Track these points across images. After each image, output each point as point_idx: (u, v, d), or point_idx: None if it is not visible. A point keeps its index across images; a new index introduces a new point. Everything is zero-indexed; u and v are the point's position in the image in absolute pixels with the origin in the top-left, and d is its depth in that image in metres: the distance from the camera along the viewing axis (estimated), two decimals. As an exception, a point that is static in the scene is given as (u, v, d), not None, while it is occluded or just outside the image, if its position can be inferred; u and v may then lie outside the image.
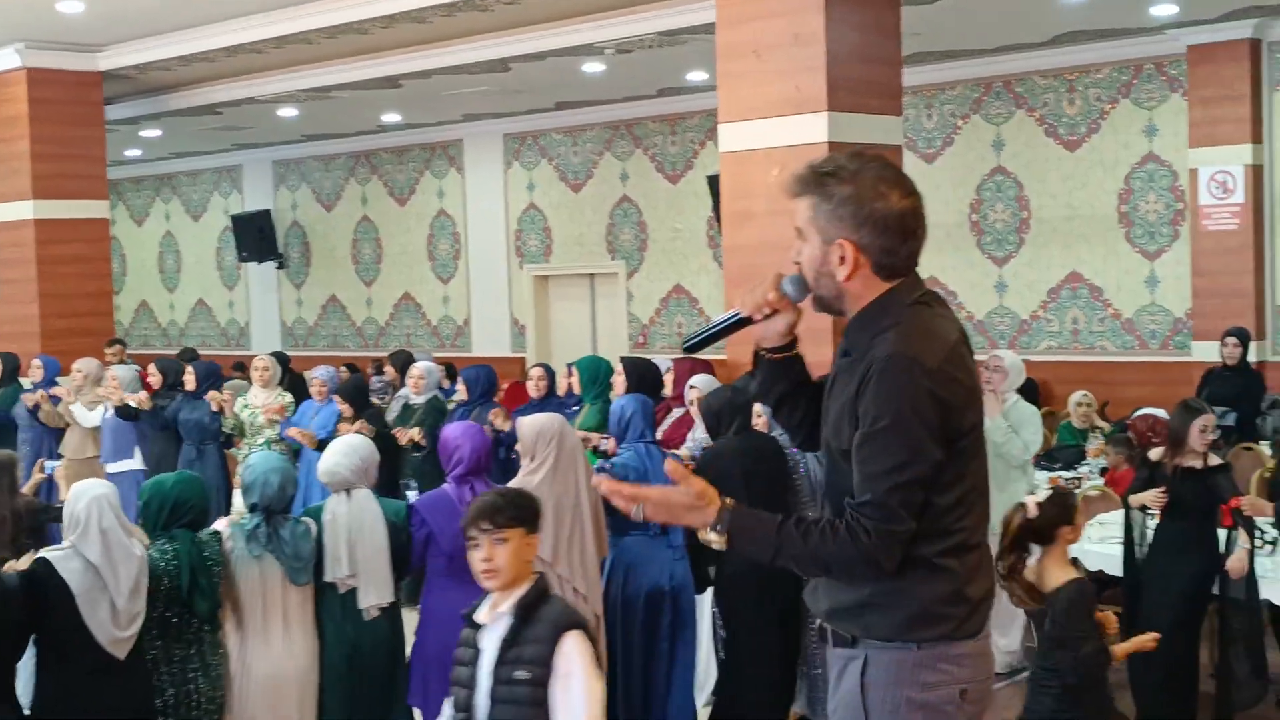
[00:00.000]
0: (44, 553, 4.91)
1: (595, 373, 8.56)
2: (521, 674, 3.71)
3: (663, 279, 16.12)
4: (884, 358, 2.96)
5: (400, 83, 13.85)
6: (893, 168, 3.10)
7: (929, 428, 2.92)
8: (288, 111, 15.95)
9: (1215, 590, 6.95)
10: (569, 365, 9.17)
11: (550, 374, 9.41)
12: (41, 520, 6.82)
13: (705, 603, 7.02)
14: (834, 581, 3.13)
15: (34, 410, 10.63)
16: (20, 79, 13.38)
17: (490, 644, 3.80)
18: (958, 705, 3.05)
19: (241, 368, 14.50)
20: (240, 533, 5.25)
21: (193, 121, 16.54)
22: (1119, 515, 7.92)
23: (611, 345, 16.13)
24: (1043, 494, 5.43)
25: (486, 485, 5.56)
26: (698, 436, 7.38)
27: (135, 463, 10.19)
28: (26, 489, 7.35)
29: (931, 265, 8.73)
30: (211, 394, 9.85)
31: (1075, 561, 7.99)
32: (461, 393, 9.52)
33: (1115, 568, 7.49)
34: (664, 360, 8.83)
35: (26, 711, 4.87)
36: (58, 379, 11.11)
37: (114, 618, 4.81)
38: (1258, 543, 7.26)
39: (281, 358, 11.85)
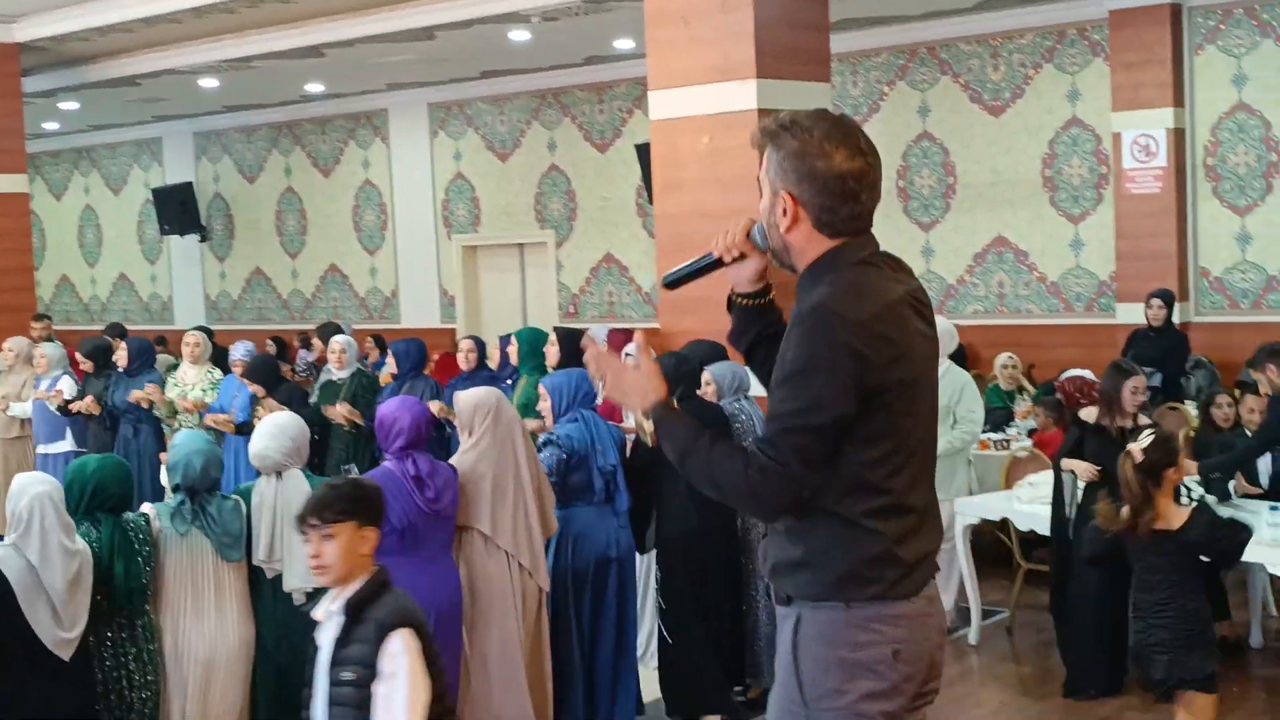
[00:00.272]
0: None
1: (535, 344, 8.54)
2: (348, 675, 3.63)
3: (592, 248, 16.09)
4: (809, 308, 3.00)
5: (323, 52, 13.71)
6: (847, 128, 3.11)
7: (838, 380, 2.94)
8: (208, 82, 15.75)
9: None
10: (501, 337, 9.13)
11: (480, 346, 9.37)
12: None
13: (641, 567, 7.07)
14: (776, 539, 3.16)
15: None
16: (-66, 50, 13.14)
17: (326, 642, 3.74)
18: (890, 665, 3.05)
19: (163, 342, 14.32)
20: (166, 512, 5.19)
21: (112, 93, 16.29)
22: (1048, 476, 8.02)
23: (542, 315, 16.10)
24: (1145, 440, 5.59)
25: (428, 459, 5.50)
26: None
27: (67, 444, 10.08)
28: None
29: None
30: (135, 394, 9.69)
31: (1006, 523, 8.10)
32: (391, 366, 9.45)
33: (1045, 527, 7.59)
34: (602, 330, 8.82)
35: None
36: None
37: (55, 618, 4.70)
38: (1183, 499, 7.38)
39: (206, 333, 11.72)
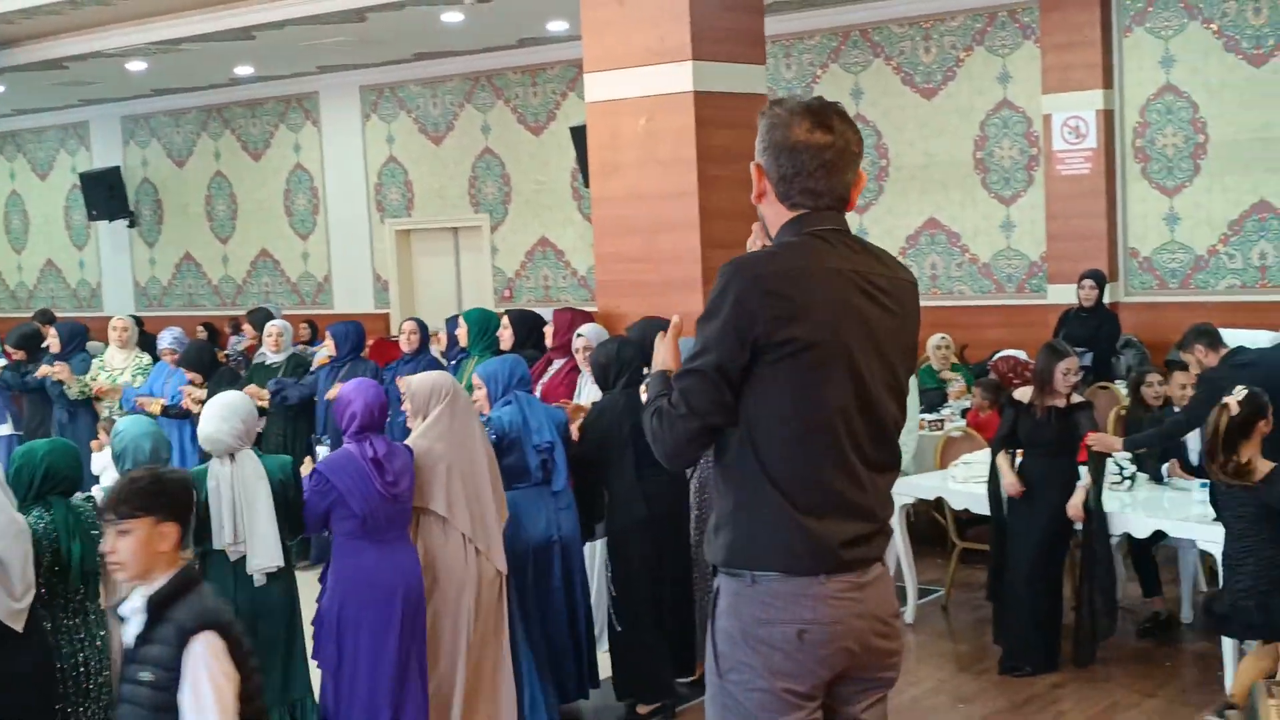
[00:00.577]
0: None
1: (485, 325, 8.50)
2: (145, 675, 3.53)
3: (528, 231, 16.04)
4: (724, 264, 3.10)
5: (253, 34, 13.54)
6: (820, 106, 3.19)
7: (724, 328, 3.01)
8: (136, 65, 15.53)
9: (1078, 526, 7.15)
10: (448, 320, 9.10)
11: (423, 328, 9.32)
12: None
13: (592, 553, 7.08)
14: (715, 504, 3.23)
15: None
16: None
17: (129, 639, 3.65)
18: (796, 646, 3.03)
19: (87, 332, 14.09)
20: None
21: (37, 76, 16.02)
22: (982, 455, 8.11)
23: (477, 299, 16.02)
24: (1240, 393, 5.87)
25: (385, 441, 5.47)
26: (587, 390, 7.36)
27: (6, 428, 9.97)
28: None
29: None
30: (44, 369, 9.57)
31: (941, 501, 8.17)
32: (330, 349, 9.39)
33: (980, 506, 7.67)
34: (545, 313, 8.79)
35: None
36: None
37: (9, 589, 4.65)
38: (1115, 477, 7.49)
39: (134, 321, 11.59)
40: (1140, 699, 6.68)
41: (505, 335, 8.33)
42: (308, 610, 5.59)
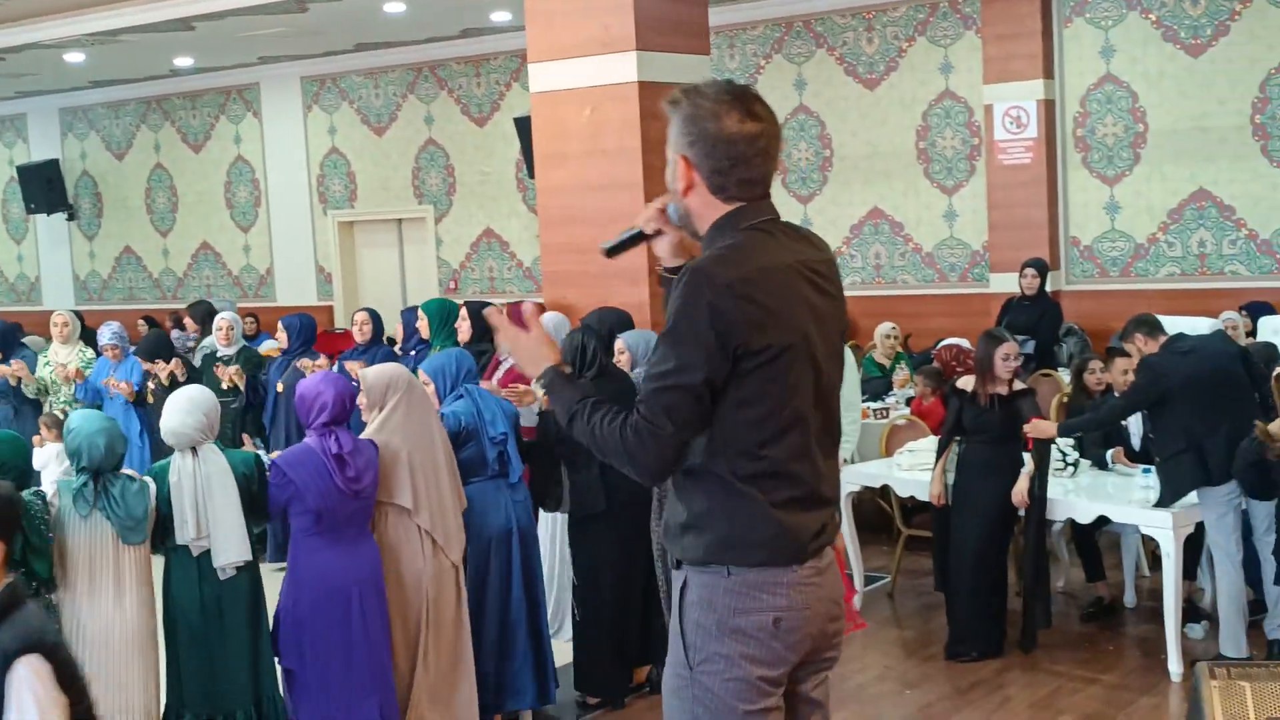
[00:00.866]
0: None
1: (445, 316, 8.44)
2: None
3: (472, 223, 15.99)
4: (685, 271, 3.05)
5: (193, 25, 13.42)
6: (742, 93, 3.13)
7: (703, 341, 2.97)
8: (74, 57, 15.35)
9: (1021, 513, 7.21)
10: (404, 311, 9.06)
11: (375, 318, 9.25)
12: None
13: (552, 547, 7.08)
14: (670, 502, 3.20)
15: None
16: None
17: None
18: (770, 633, 3.08)
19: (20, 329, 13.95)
20: (67, 490, 5.05)
21: (-28, 68, 15.84)
22: (927, 443, 8.17)
23: (421, 291, 15.96)
24: None
25: (350, 436, 5.39)
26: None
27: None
28: None
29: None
30: (1, 369, 9.51)
31: (886, 489, 8.22)
32: (282, 340, 9.31)
33: (924, 493, 7.72)
34: (552, 319, 8.76)
35: None
36: None
37: None
38: (1058, 464, 7.56)
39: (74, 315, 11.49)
40: (1085, 683, 6.75)
41: (464, 327, 8.30)
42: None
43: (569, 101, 8.33)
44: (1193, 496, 6.75)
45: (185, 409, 5.31)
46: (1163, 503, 6.77)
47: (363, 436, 5.50)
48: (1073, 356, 10.72)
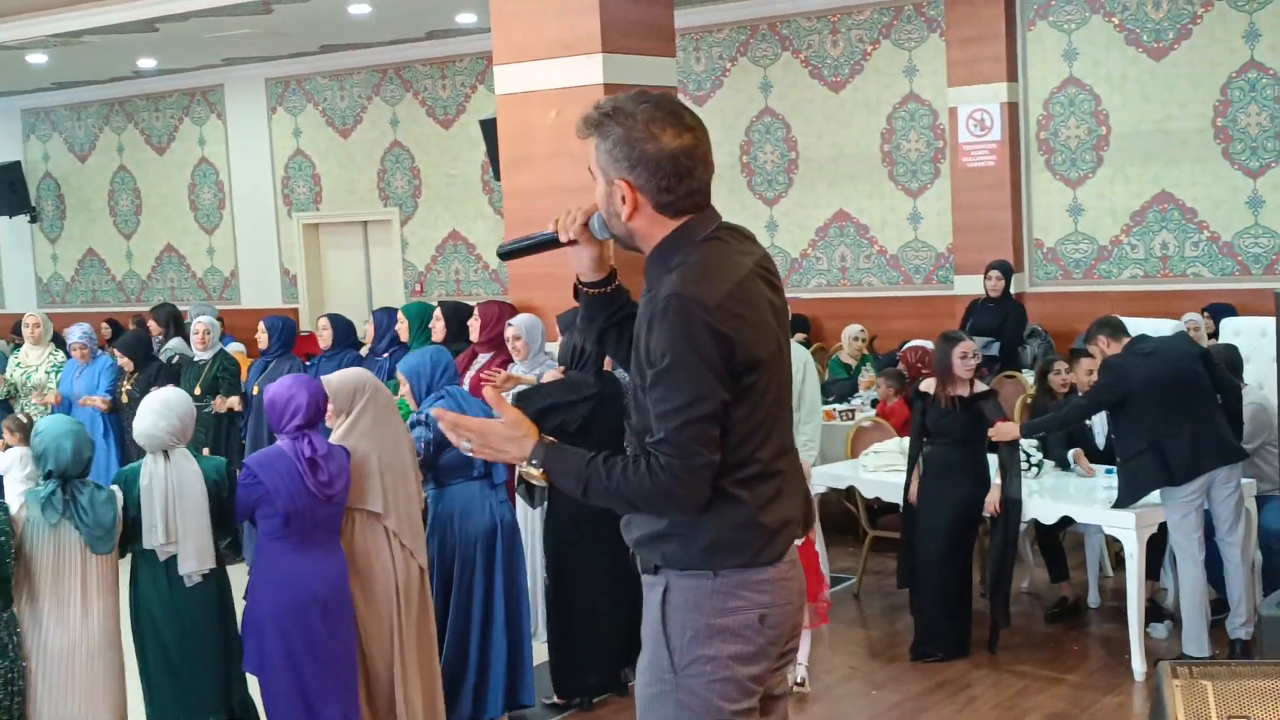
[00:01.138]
0: None
1: (425, 318, 8.42)
2: None
3: (438, 225, 15.96)
4: (665, 298, 2.98)
5: (157, 26, 13.36)
6: (669, 105, 3.09)
7: (711, 365, 2.95)
8: (36, 58, 15.25)
9: (986, 514, 7.24)
10: (376, 313, 9.02)
11: (335, 323, 9.17)
12: None
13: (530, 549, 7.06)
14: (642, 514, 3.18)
15: None
16: None
17: None
18: (756, 630, 3.10)
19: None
20: (35, 500, 4.98)
21: (-67, 69, 15.72)
22: (892, 444, 8.20)
23: (387, 293, 15.94)
24: None
25: (324, 441, 5.33)
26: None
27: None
28: None
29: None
30: None
31: (852, 490, 8.23)
32: (262, 340, 9.25)
33: (891, 495, 7.76)
34: (525, 316, 8.75)
35: None
36: None
37: None
38: (1021, 465, 7.60)
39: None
40: (1049, 683, 6.78)
41: (438, 328, 8.28)
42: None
43: (534, 104, 8.32)
44: (1155, 496, 6.80)
45: (159, 411, 5.25)
46: (1121, 503, 6.82)
47: (331, 441, 5.46)
48: (1036, 358, 10.78)
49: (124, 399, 9.16)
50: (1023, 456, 7.59)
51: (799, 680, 6.63)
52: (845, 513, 9.23)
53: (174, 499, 5.13)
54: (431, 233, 16.00)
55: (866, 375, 10.80)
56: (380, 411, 5.55)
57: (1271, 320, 5.23)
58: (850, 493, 8.49)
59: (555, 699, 6.56)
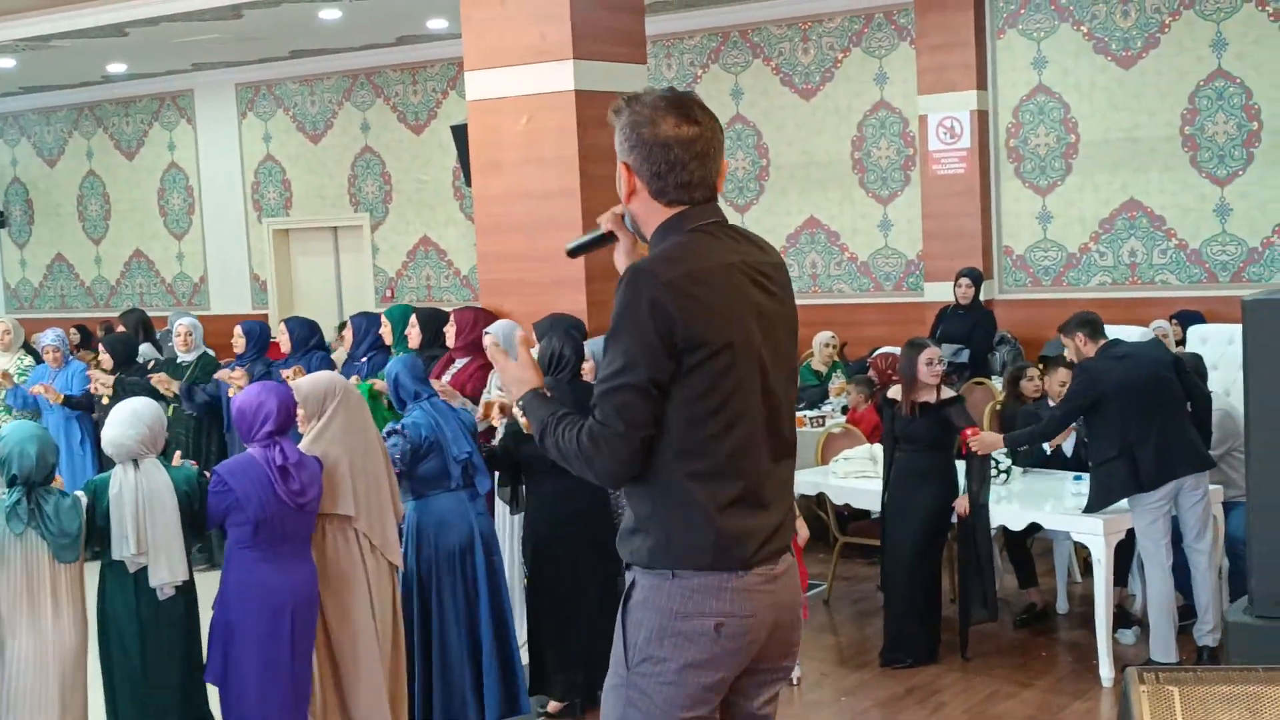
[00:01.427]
0: None
1: (407, 321, 8.40)
2: None
3: (409, 231, 15.94)
4: (626, 272, 3.06)
5: (126, 31, 13.31)
6: (680, 98, 3.15)
7: (645, 337, 2.99)
8: (4, 62, 15.19)
9: (955, 519, 7.26)
10: (354, 317, 8.97)
11: (293, 328, 9.09)
12: None
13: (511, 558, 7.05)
14: (627, 506, 3.21)
15: None
16: None
17: None
18: (712, 638, 3.07)
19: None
20: (0, 510, 4.92)
21: (-101, 72, 15.62)
22: (863, 450, 8.22)
23: (358, 299, 15.91)
24: None
25: (295, 448, 5.28)
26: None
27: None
28: None
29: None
30: None
31: (823, 498, 8.25)
32: (240, 345, 9.21)
33: (861, 501, 7.79)
34: (505, 324, 8.72)
35: None
36: None
37: None
38: (993, 473, 7.62)
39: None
40: (1018, 689, 6.80)
41: (413, 334, 8.26)
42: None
43: (506, 110, 8.32)
44: (1123, 503, 6.83)
45: (128, 420, 5.18)
46: (1091, 508, 6.84)
47: (301, 446, 5.41)
48: (1005, 365, 10.82)
49: (105, 400, 9.08)
50: (992, 464, 7.61)
51: (793, 681, 6.66)
52: (815, 519, 9.23)
53: (145, 509, 5.07)
54: (402, 238, 15.98)
55: (837, 382, 10.81)
56: (351, 414, 5.51)
57: (1238, 328, 5.23)
58: (820, 499, 8.50)
59: (550, 705, 6.52)
